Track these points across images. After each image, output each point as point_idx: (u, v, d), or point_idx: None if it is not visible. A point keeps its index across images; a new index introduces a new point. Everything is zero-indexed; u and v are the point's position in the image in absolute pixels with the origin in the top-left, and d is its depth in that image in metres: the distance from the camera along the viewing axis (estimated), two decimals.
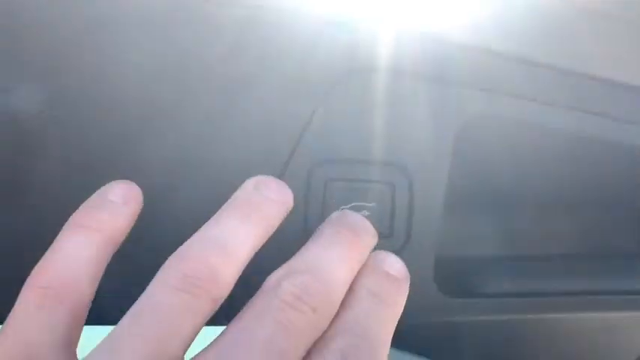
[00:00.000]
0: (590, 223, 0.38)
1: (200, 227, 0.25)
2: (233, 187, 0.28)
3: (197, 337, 0.23)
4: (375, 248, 0.32)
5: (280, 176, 0.31)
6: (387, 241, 0.32)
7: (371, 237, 0.27)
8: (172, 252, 0.24)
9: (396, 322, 0.24)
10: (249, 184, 0.26)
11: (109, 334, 0.21)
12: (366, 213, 0.32)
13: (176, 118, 0.29)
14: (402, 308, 0.25)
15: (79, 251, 0.24)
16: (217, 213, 0.25)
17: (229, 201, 0.26)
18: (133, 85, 0.29)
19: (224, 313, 0.23)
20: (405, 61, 0.31)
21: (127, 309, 0.22)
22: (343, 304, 0.23)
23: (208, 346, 0.21)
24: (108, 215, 0.25)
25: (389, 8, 0.31)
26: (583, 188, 0.37)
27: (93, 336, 0.24)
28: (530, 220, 0.37)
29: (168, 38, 0.29)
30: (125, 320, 0.21)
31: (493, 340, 0.37)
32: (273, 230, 0.25)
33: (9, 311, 0.23)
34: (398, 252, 0.32)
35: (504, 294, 0.34)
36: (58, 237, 0.24)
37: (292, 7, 0.30)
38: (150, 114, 0.29)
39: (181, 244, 0.24)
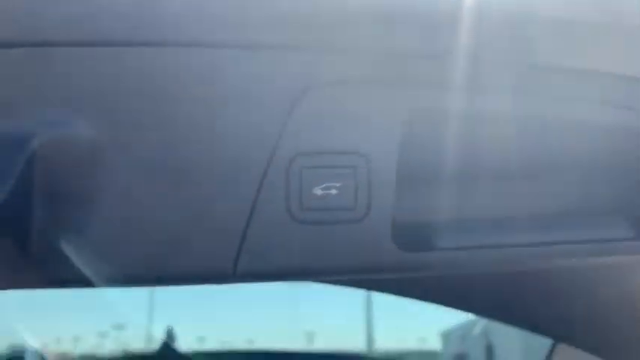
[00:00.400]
0: (537, 187, 0.45)
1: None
2: (230, 170, 0.38)
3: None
4: (341, 220, 0.41)
5: (267, 167, 0.40)
6: (351, 212, 0.41)
7: None
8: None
9: None
10: None
11: None
12: (335, 191, 0.41)
13: (190, 129, 0.40)
14: None
15: None
16: None
17: None
18: (158, 107, 0.40)
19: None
20: (356, 72, 0.40)
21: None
22: None
23: None
24: None
25: (336, 30, 0.40)
26: (524, 160, 0.44)
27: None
28: (479, 188, 0.45)
29: (183, 79, 0.39)
30: None
31: (454, 292, 0.46)
32: None
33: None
34: (361, 220, 0.41)
35: (457, 248, 0.42)
36: None
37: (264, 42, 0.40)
38: (169, 123, 0.40)
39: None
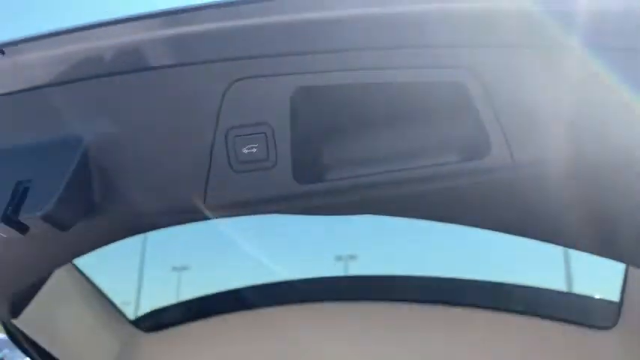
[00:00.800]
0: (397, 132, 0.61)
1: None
2: (195, 140, 0.62)
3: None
4: (261, 168, 0.63)
5: (214, 136, 0.63)
6: (265, 162, 0.62)
7: None
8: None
9: None
10: None
11: None
12: (255, 150, 0.62)
13: (155, 132, 0.64)
14: None
15: None
16: None
17: None
18: (142, 117, 0.65)
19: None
20: (258, 70, 0.61)
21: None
22: None
23: None
24: None
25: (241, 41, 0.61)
26: (386, 114, 0.60)
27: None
28: (353, 137, 0.62)
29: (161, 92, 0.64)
30: None
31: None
32: None
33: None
34: (273, 167, 0.62)
35: (340, 179, 0.61)
36: None
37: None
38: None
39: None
